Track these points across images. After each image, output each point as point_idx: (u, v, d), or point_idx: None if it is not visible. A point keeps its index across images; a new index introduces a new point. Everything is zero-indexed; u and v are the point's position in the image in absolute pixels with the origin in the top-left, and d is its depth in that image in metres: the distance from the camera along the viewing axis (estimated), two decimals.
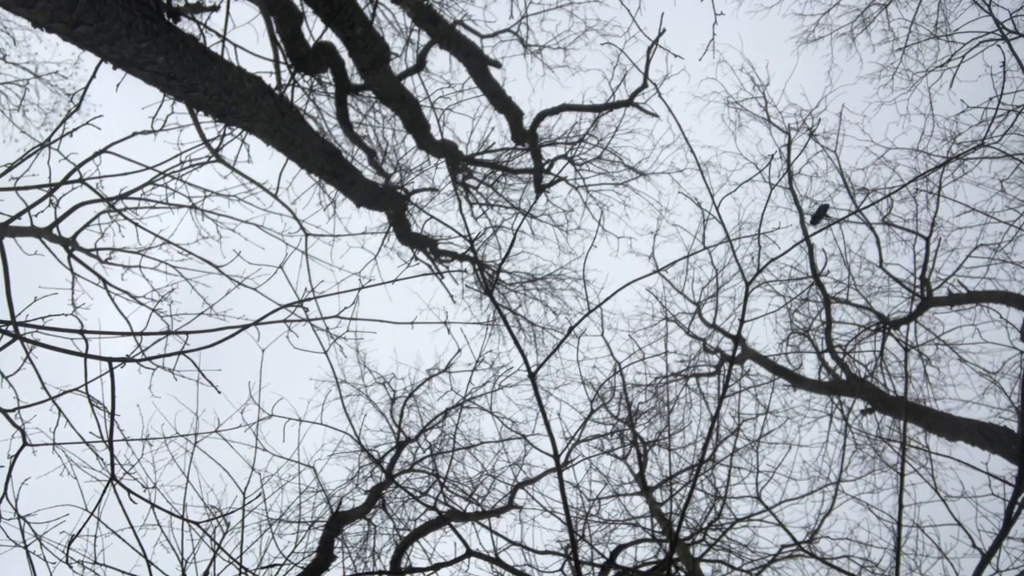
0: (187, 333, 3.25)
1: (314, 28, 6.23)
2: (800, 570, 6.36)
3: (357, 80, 7.00)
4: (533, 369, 3.44)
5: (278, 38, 5.75)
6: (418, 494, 7.13)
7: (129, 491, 3.52)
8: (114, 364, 3.09)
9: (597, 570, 5.69)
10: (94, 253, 6.38)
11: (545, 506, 5.72)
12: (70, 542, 3.74)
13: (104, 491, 3.57)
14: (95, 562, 3.86)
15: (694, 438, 7.50)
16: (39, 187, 5.13)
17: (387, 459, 7.87)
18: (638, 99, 8.41)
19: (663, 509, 6.69)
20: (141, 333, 3.37)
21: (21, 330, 3.37)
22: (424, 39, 7.76)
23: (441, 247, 9.25)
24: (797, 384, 9.16)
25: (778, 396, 9.12)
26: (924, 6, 8.38)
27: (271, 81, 5.38)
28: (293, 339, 3.97)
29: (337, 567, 6.34)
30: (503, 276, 10.04)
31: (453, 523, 5.94)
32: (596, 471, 7.28)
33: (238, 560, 4.10)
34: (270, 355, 3.91)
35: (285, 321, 3.55)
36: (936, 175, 7.98)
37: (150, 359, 3.31)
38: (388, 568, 6.65)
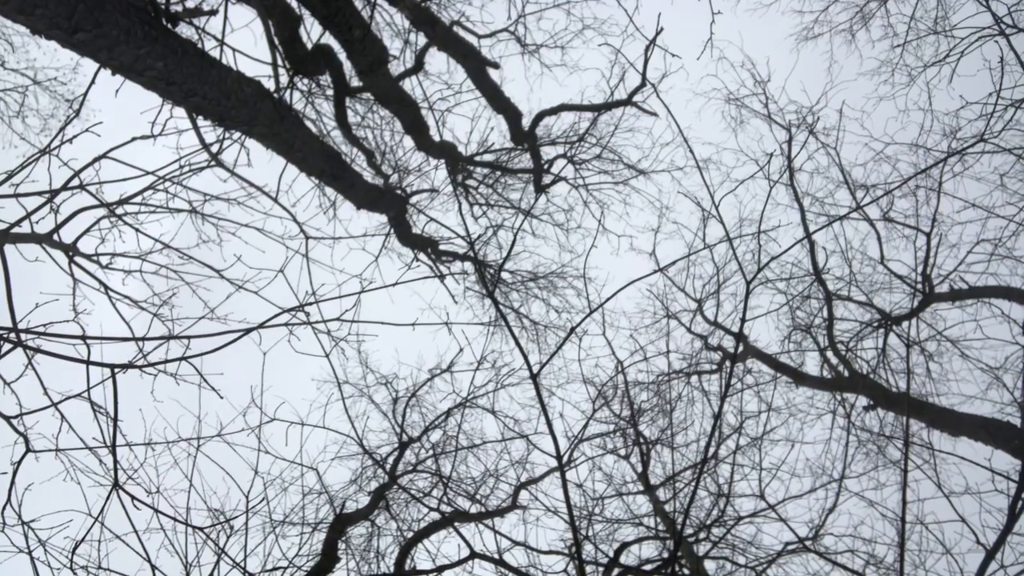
0: (189, 338, 3.26)
1: (312, 31, 6.23)
2: (804, 567, 6.36)
3: (356, 82, 7.00)
4: (535, 370, 3.44)
5: (276, 41, 5.76)
6: (421, 495, 7.12)
7: (132, 496, 3.53)
8: (116, 370, 3.09)
9: (601, 569, 5.69)
10: (95, 258, 6.39)
11: (548, 506, 5.73)
12: (74, 548, 3.75)
13: (107, 496, 3.57)
14: (99, 567, 3.87)
15: (697, 436, 7.49)
16: (39, 193, 5.14)
17: (390, 460, 7.86)
18: (637, 98, 8.40)
19: (667, 507, 6.69)
20: (143, 338, 3.39)
21: (23, 337, 3.37)
22: (422, 40, 7.76)
23: (442, 248, 9.25)
24: (799, 381, 9.15)
25: (780, 393, 9.10)
26: (923, 1, 8.37)
27: (270, 85, 5.40)
28: (295, 342, 3.99)
29: (341, 569, 6.34)
30: (504, 275, 10.04)
31: (457, 524, 5.94)
32: (599, 470, 7.28)
33: (242, 564, 4.11)
34: (272, 358, 3.91)
35: (287, 325, 3.56)
36: (936, 171, 7.97)
37: (152, 364, 3.32)
38: (392, 570, 6.65)
